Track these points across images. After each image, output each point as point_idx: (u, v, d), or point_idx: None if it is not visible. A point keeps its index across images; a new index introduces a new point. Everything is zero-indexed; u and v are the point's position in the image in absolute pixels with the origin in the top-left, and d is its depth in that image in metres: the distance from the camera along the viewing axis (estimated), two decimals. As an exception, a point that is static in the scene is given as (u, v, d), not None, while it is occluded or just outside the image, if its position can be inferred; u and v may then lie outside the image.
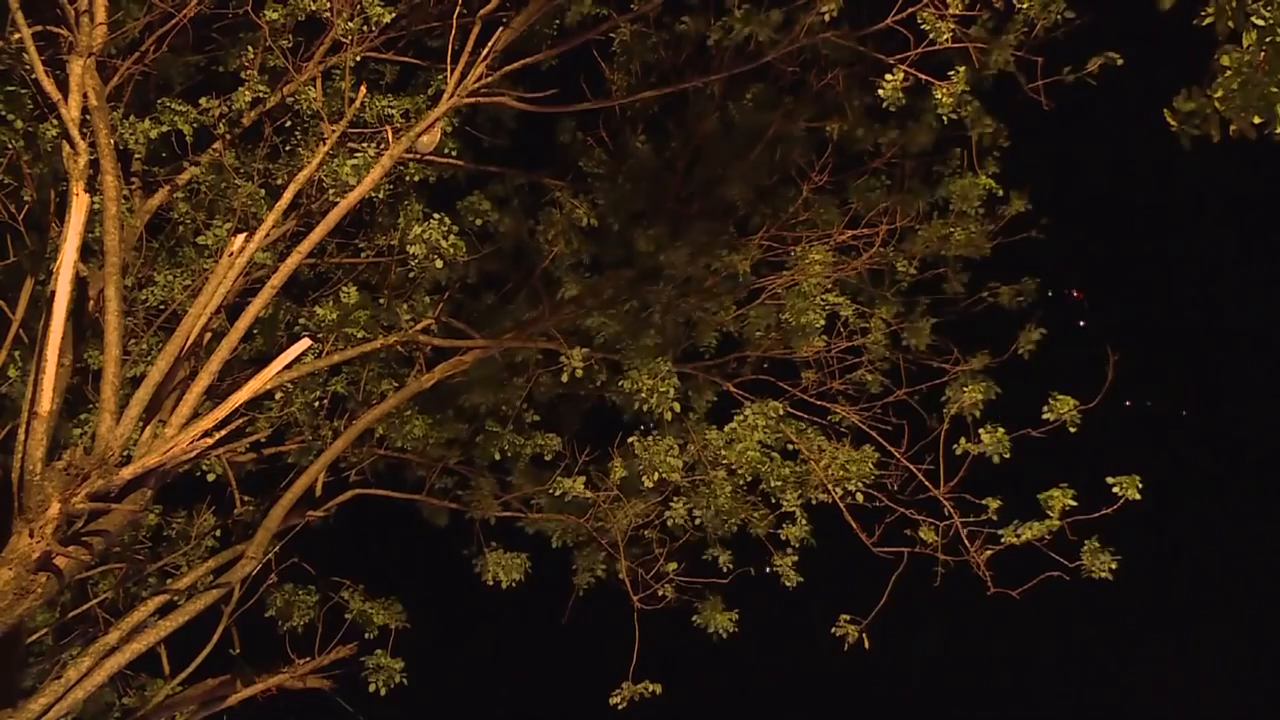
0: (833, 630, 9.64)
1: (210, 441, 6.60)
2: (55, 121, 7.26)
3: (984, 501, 9.20)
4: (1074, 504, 8.82)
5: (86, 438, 7.21)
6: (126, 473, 6.34)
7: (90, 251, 7.36)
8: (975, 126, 9.73)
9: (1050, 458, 9.27)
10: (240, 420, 7.15)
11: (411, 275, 9.37)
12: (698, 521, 10.04)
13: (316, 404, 9.43)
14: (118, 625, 6.91)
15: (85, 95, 7.04)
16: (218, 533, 9.42)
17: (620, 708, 9.53)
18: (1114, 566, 8.96)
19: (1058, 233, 10.50)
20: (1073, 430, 9.04)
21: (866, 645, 9.58)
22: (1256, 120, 5.87)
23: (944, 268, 10.36)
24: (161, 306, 8.48)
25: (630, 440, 9.65)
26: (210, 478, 9.14)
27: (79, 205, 6.49)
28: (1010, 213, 10.18)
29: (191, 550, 9.03)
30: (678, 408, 9.38)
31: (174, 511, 9.46)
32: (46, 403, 6.27)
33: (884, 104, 8.87)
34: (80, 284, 6.74)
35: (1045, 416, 9.08)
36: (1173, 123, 6.15)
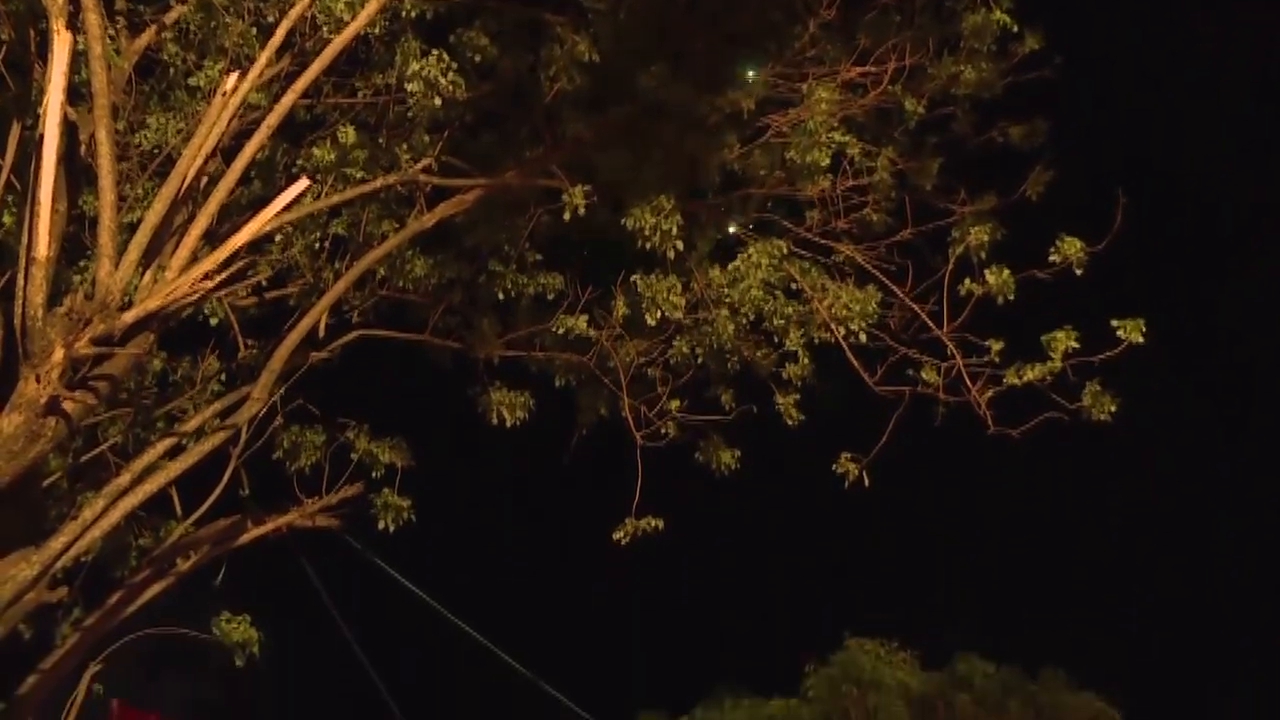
0: (833, 468, 9.79)
1: (211, 284, 6.58)
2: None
3: (987, 343, 9.21)
4: (1076, 346, 8.82)
5: (86, 284, 7.17)
6: (128, 317, 6.34)
7: (78, 95, 7.18)
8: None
9: (1055, 300, 9.24)
10: (241, 263, 7.10)
11: (410, 114, 9.16)
12: (700, 360, 10.09)
13: (317, 246, 9.37)
14: (128, 468, 7.01)
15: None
16: (222, 376, 9.49)
17: (623, 543, 9.74)
18: (1114, 409, 9.02)
19: (1071, 72, 10.22)
20: (1079, 273, 8.98)
21: (866, 483, 9.74)
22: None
23: (953, 107, 10.12)
24: (155, 151, 8.33)
25: (633, 278, 9.62)
26: (213, 322, 9.14)
27: (61, 44, 6.29)
28: (1023, 51, 9.88)
29: (197, 394, 9.10)
30: (681, 246, 9.30)
31: (178, 356, 9.50)
32: (43, 248, 6.21)
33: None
34: (70, 128, 6.58)
35: (1051, 259, 9.02)
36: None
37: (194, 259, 6.73)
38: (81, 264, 8.28)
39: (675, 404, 10.10)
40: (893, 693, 17.38)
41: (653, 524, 9.69)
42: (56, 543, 6.65)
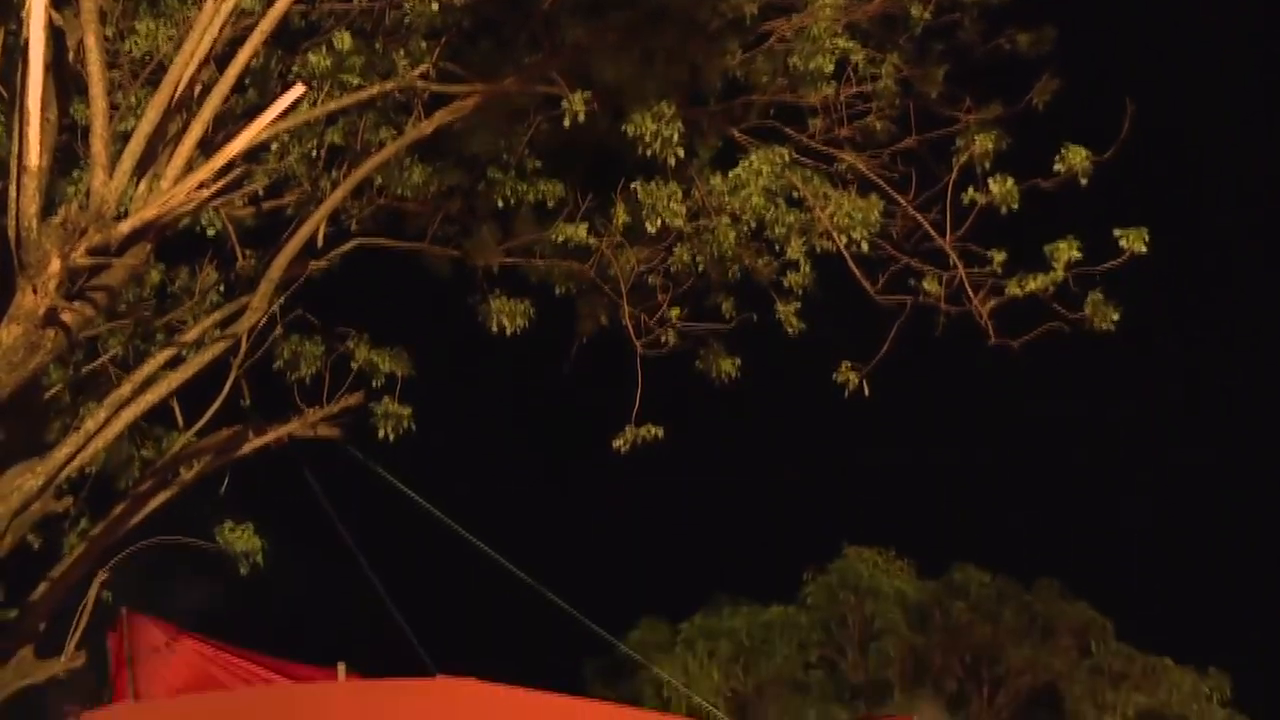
0: (833, 377, 9.82)
1: (207, 194, 6.52)
2: None
3: (989, 253, 9.17)
4: (1079, 256, 8.78)
5: (80, 194, 7.10)
6: (124, 227, 6.29)
7: (64, -1, 7.03)
8: None
9: (1059, 210, 9.18)
10: (237, 172, 7.01)
11: (407, 20, 8.99)
12: (700, 268, 10.06)
13: (314, 155, 9.25)
14: (129, 379, 7.03)
15: None
16: (221, 287, 9.44)
17: (623, 451, 9.81)
18: (1116, 319, 9.01)
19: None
20: (1083, 182, 8.90)
21: (866, 392, 9.79)
22: None
23: (960, 13, 9.92)
24: (146, 58, 8.19)
25: (633, 186, 9.51)
26: (210, 233, 9.07)
27: (42, -56, 6.14)
28: (1031, -44, 9.69)
29: (196, 305, 9.07)
30: (682, 153, 9.17)
31: (176, 268, 9.44)
32: (34, 157, 6.13)
33: None
34: (56, 34, 6.46)
35: (1056, 168, 8.93)
36: None
37: (189, 168, 6.65)
38: (75, 174, 8.18)
39: (675, 312, 10.09)
40: (890, 600, 17.69)
41: (652, 432, 9.76)
42: (60, 453, 6.71)
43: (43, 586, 7.92)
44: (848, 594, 17.84)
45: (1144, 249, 8.61)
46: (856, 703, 15.29)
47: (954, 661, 17.31)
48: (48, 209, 6.20)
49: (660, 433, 9.76)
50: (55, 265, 6.03)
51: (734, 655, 17.69)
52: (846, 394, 9.76)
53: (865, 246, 9.59)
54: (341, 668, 8.49)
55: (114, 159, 6.33)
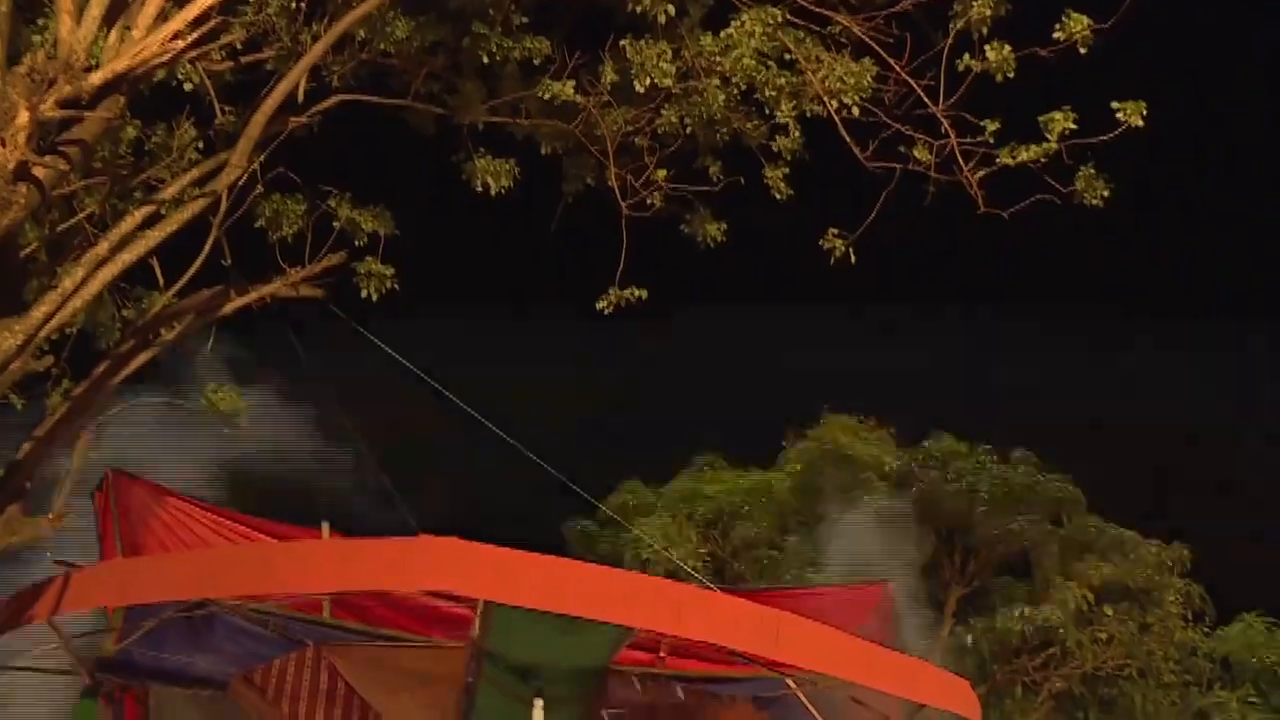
0: (820, 243, 9.75)
1: (182, 45, 6.30)
2: None
3: (982, 122, 9.01)
4: (1074, 128, 8.63)
5: (47, 43, 6.85)
6: (95, 78, 6.08)
7: None
8: None
9: (1056, 80, 9.00)
10: (213, 23, 6.76)
11: None
12: (689, 130, 9.90)
13: (293, 6, 8.94)
14: (106, 237, 6.90)
15: None
16: (199, 144, 9.21)
17: (606, 312, 9.80)
18: (1106, 194, 8.90)
19: None
20: (1083, 51, 8.69)
21: (853, 259, 9.74)
22: None
23: None
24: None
25: (622, 44, 9.32)
26: (187, 88, 8.80)
27: None
28: None
29: (174, 162, 8.85)
30: (672, 10, 9.00)
31: (153, 124, 9.19)
32: (-6, 0, 5.90)
33: None
34: None
35: (1055, 36, 8.70)
36: None
37: (162, 18, 6.42)
38: (40, 22, 7.90)
39: (662, 174, 9.97)
40: (867, 467, 17.89)
41: (636, 294, 9.73)
42: (38, 312, 6.62)
43: (27, 446, 7.92)
44: (825, 461, 18.04)
45: (1140, 123, 8.46)
46: (831, 568, 15.58)
47: (928, 530, 17.59)
48: (11, 59, 5.98)
49: (644, 295, 9.73)
50: (24, 117, 5.84)
51: (712, 519, 17.97)
52: (833, 260, 9.70)
53: (856, 111, 9.42)
54: (326, 527, 8.58)
55: (81, 5, 6.09)
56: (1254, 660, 16.43)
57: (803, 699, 9.75)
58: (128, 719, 10.22)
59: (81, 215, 8.28)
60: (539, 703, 8.80)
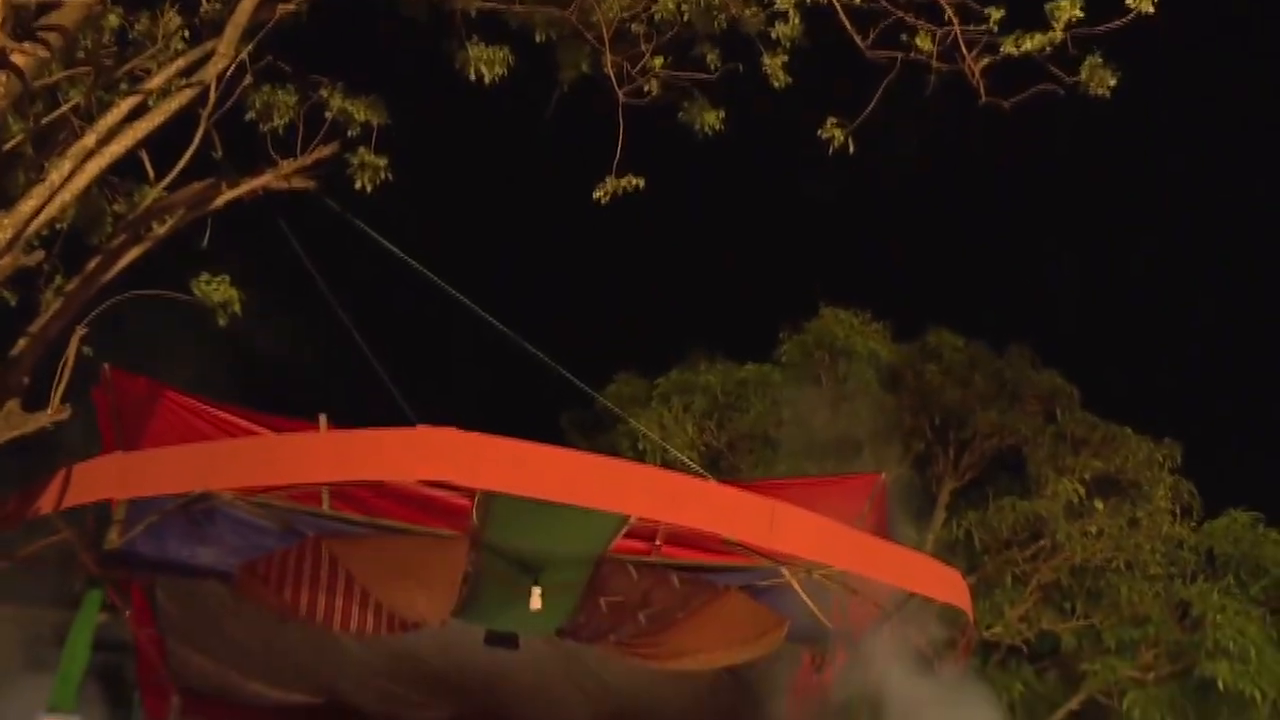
0: (819, 132, 9.63)
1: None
2: None
3: (986, 10, 8.81)
4: (1081, 15, 8.42)
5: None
6: (72, -39, 5.94)
7: None
8: None
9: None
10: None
11: None
12: (686, 16, 9.68)
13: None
14: (92, 129, 6.79)
15: None
16: (185, 33, 9.00)
17: (603, 201, 9.71)
18: (1113, 84, 8.73)
19: None
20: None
21: (851, 149, 9.62)
22: None
23: None
24: None
25: (616, -73, 9.10)
26: (171, -29, 8.60)
27: None
28: None
29: (160, 52, 8.65)
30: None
31: (137, 12, 8.96)
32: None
33: None
34: None
35: (1062, -83, 8.45)
36: None
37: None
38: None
39: (659, 61, 9.78)
40: (863, 360, 17.86)
41: (633, 183, 9.64)
42: (25, 206, 6.57)
43: (22, 342, 7.90)
44: (822, 353, 18.00)
45: (1151, 9, 8.25)
46: (826, 460, 15.66)
47: (923, 423, 17.66)
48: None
49: (640, 184, 9.63)
50: (-1, 1, 5.72)
51: (708, 410, 17.94)
52: (831, 150, 9.58)
53: (857, -1, 9.21)
54: (323, 419, 8.61)
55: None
56: (1236, 552, 16.66)
57: (797, 587, 9.91)
58: (135, 609, 10.43)
59: (66, 107, 8.12)
60: (537, 590, 8.96)
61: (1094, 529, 16.07)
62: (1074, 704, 16.58)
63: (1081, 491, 16.34)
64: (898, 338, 18.76)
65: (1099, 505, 16.29)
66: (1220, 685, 15.00)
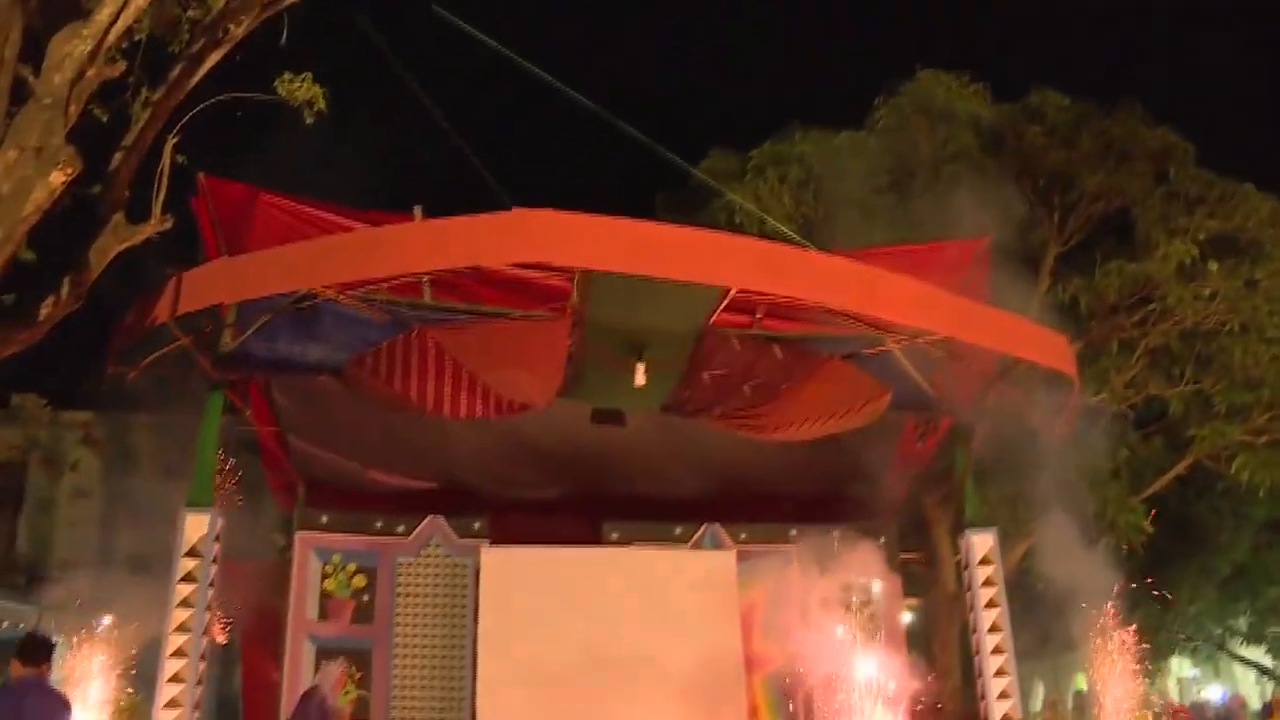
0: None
1: None
2: None
3: None
4: None
5: None
6: None
7: None
8: None
9: None
10: None
11: None
12: None
13: None
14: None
15: None
16: None
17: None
18: None
19: None
20: None
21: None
22: None
23: None
24: None
25: None
26: None
27: None
28: None
29: None
30: None
31: None
32: None
33: None
34: None
35: None
36: None
37: None
38: None
39: None
40: (963, 123, 17.13)
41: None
42: (102, 14, 6.55)
43: (118, 156, 7.97)
44: (920, 117, 17.29)
45: None
46: (926, 227, 15.22)
47: (1026, 186, 16.96)
48: None
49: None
50: None
51: (804, 180, 17.45)
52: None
53: None
54: (418, 210, 8.64)
55: None
56: (1361, 306, 15.82)
57: (899, 355, 9.87)
58: (254, 408, 10.85)
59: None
60: (640, 366, 9.04)
61: (1207, 291, 15.44)
62: (1180, 469, 16.44)
63: (1195, 252, 15.67)
64: (998, 99, 17.94)
65: (1213, 267, 15.62)
66: (1336, 447, 14.66)
